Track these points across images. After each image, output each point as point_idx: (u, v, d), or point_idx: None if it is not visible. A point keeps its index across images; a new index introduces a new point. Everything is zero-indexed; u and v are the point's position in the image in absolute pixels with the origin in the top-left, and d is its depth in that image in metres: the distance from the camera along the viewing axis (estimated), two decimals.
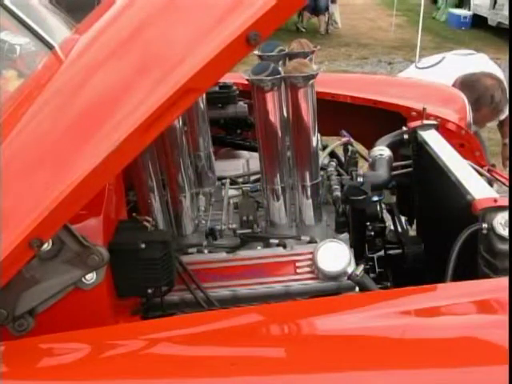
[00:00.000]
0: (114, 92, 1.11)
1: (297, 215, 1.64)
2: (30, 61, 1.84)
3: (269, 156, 1.55)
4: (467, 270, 1.33)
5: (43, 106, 1.20)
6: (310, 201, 1.60)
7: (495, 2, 10.13)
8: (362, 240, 1.68)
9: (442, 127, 1.93)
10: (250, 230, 1.60)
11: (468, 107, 2.28)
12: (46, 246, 1.15)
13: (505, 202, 1.29)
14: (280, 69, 1.49)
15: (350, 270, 1.44)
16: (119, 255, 1.29)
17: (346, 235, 1.60)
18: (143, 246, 1.32)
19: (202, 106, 1.85)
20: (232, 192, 1.83)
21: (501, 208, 1.29)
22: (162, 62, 1.09)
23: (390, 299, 1.19)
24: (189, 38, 1.08)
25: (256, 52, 1.65)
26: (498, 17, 10.01)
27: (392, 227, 1.90)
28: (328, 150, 1.90)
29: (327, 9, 10.93)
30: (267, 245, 1.58)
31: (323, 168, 1.79)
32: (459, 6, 12.03)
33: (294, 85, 1.46)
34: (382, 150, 1.77)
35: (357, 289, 1.45)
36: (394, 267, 1.76)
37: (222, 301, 1.48)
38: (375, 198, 1.63)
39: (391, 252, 1.75)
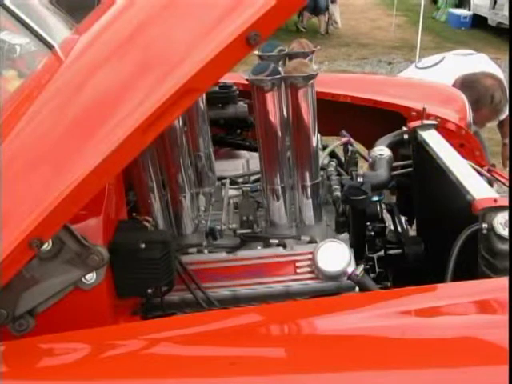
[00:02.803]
0: (114, 92, 1.11)
1: (297, 215, 1.64)
2: (30, 61, 1.84)
3: (269, 156, 1.55)
4: (467, 270, 1.33)
5: (43, 106, 1.20)
6: (310, 201, 1.60)
7: (495, 2, 10.12)
8: (362, 240, 1.68)
9: (441, 127, 1.93)
10: (249, 230, 1.60)
11: (468, 107, 2.28)
12: (46, 246, 1.15)
13: (505, 202, 1.30)
14: (280, 69, 1.49)
15: (349, 270, 1.44)
16: (119, 255, 1.29)
17: (346, 235, 1.60)
18: (143, 246, 1.32)
19: (202, 105, 1.85)
20: (232, 192, 1.83)
21: (501, 208, 1.29)
22: (162, 62, 1.09)
23: (389, 299, 1.19)
24: (189, 38, 1.08)
25: (256, 52, 1.64)
26: (498, 17, 10.01)
27: (392, 227, 1.90)
28: (328, 150, 1.90)
29: (327, 9, 10.92)
30: (267, 245, 1.58)
31: (323, 168, 1.79)
32: (459, 5, 12.02)
33: (294, 85, 1.46)
34: (381, 150, 1.77)
35: (357, 289, 1.45)
36: (394, 267, 1.76)
37: (222, 301, 1.48)
38: (375, 198, 1.63)
39: (391, 252, 1.75)
